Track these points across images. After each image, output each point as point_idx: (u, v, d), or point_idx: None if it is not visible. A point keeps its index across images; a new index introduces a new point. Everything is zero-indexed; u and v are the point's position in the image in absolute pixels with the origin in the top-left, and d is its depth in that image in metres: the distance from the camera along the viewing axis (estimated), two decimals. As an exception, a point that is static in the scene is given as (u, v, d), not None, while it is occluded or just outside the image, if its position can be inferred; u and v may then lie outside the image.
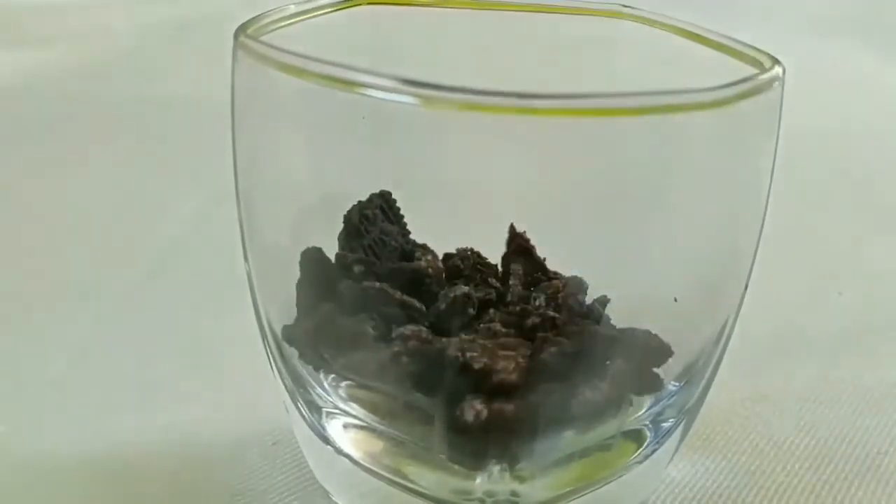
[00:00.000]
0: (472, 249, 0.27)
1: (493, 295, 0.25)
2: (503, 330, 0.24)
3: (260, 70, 0.21)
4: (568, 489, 0.23)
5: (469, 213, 0.28)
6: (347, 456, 0.23)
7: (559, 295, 0.25)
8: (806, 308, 0.37)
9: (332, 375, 0.23)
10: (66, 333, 0.33)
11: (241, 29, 0.22)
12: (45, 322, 0.34)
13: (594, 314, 0.25)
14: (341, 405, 0.23)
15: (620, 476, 0.24)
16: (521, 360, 0.22)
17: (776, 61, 0.22)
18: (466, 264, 0.26)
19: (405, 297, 0.24)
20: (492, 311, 0.25)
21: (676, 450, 0.25)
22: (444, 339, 0.23)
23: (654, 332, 0.24)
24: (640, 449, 0.24)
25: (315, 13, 0.25)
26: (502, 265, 0.27)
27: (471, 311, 0.24)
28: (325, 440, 0.24)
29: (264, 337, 0.25)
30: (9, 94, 0.59)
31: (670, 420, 0.24)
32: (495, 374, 0.22)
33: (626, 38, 0.27)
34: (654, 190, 0.24)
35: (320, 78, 0.19)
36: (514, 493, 0.22)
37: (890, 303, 0.38)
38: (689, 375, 0.24)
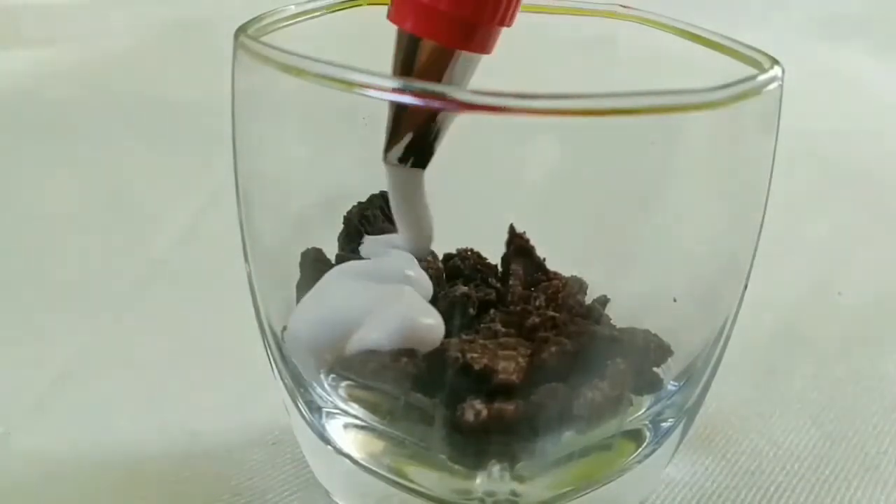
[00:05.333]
0: (472, 249, 0.27)
1: (493, 295, 0.26)
2: (503, 330, 0.24)
3: (260, 70, 0.21)
4: (568, 489, 0.23)
5: (469, 213, 0.28)
6: (347, 456, 0.23)
7: (559, 295, 0.25)
8: (806, 308, 0.37)
9: (332, 375, 0.23)
10: (66, 333, 0.33)
11: (241, 29, 0.22)
12: (45, 322, 0.34)
13: (594, 314, 0.25)
14: (341, 405, 0.23)
15: (620, 476, 0.24)
16: (521, 360, 0.22)
17: (775, 62, 0.22)
18: (466, 264, 0.26)
19: (405, 298, 0.24)
20: (492, 311, 0.25)
21: (676, 450, 0.25)
22: (444, 340, 0.23)
23: (654, 332, 0.24)
24: (640, 449, 0.24)
25: (315, 13, 0.25)
26: (502, 265, 0.27)
27: (471, 311, 0.24)
28: (325, 440, 0.24)
29: (264, 337, 0.25)
30: (9, 94, 0.59)
31: (670, 420, 0.24)
32: (496, 374, 0.22)
33: (626, 38, 0.27)
34: (654, 190, 0.24)
35: (320, 78, 0.19)
36: (514, 493, 0.22)
37: (890, 303, 0.39)
38: (688, 375, 0.24)
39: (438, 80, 0.23)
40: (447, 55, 0.22)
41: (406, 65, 0.22)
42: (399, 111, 0.23)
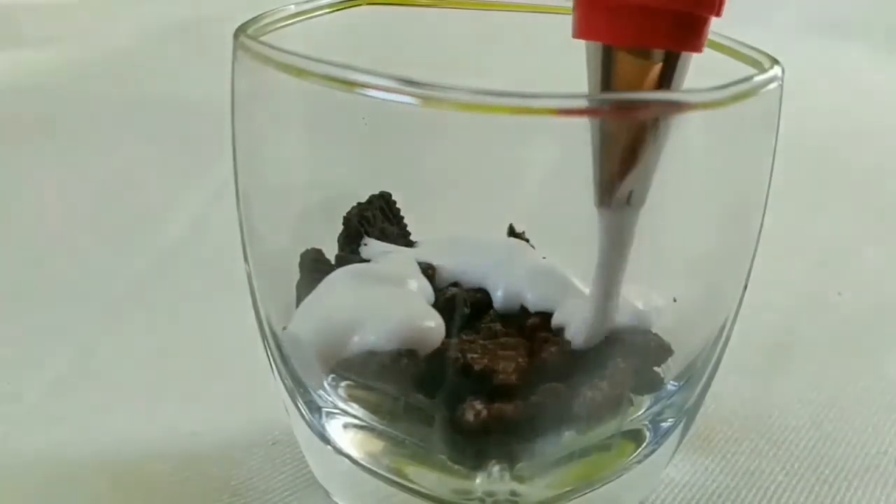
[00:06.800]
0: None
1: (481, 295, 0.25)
2: (503, 330, 0.24)
3: (260, 70, 0.21)
4: (567, 489, 0.23)
5: (469, 213, 0.28)
6: (347, 456, 0.23)
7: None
8: (806, 308, 0.37)
9: (332, 375, 0.23)
10: (66, 333, 0.33)
11: (241, 29, 0.22)
12: (46, 322, 0.34)
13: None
14: (341, 405, 0.23)
15: (620, 476, 0.24)
16: (521, 360, 0.22)
17: (775, 61, 0.22)
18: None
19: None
20: (492, 311, 0.25)
21: (676, 450, 0.25)
22: (444, 340, 0.23)
23: (654, 332, 0.24)
24: (640, 449, 0.24)
25: (315, 13, 0.25)
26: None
27: (465, 310, 0.24)
28: (325, 440, 0.24)
29: (264, 337, 0.25)
30: (9, 94, 0.59)
31: (670, 420, 0.24)
32: (495, 375, 0.22)
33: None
34: (655, 190, 0.24)
35: (320, 78, 0.19)
36: (513, 493, 0.22)
37: (890, 303, 0.39)
38: (688, 375, 0.24)
39: None
40: (670, 62, 0.20)
41: (624, 87, 0.20)
42: (615, 142, 0.20)
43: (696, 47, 0.20)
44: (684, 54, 0.20)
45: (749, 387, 0.31)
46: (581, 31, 0.20)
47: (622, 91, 0.20)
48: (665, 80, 0.20)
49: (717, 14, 0.20)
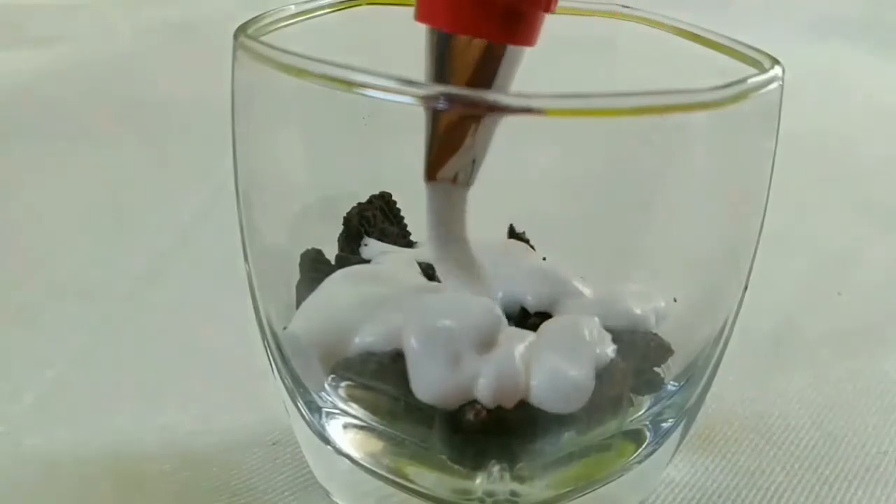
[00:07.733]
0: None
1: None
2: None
3: (260, 70, 0.21)
4: (568, 489, 0.23)
5: (469, 213, 0.28)
6: (347, 456, 0.23)
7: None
8: (806, 308, 0.37)
9: (332, 375, 0.23)
10: (66, 333, 0.33)
11: (241, 29, 0.22)
12: (45, 322, 0.34)
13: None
14: (341, 405, 0.23)
15: (620, 476, 0.24)
16: (521, 360, 0.22)
17: (775, 61, 0.22)
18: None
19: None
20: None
21: (676, 450, 0.25)
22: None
23: (654, 332, 0.24)
24: (640, 449, 0.24)
25: (315, 13, 0.25)
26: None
27: None
28: (325, 440, 0.24)
29: (264, 337, 0.25)
30: (9, 94, 0.59)
31: (670, 420, 0.24)
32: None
33: (626, 38, 0.27)
34: (655, 190, 0.24)
35: (320, 78, 0.19)
36: (513, 493, 0.22)
37: (890, 303, 0.39)
38: (688, 375, 0.24)
39: (489, 83, 0.21)
40: (495, 53, 0.20)
41: (447, 71, 0.21)
42: (443, 122, 0.21)
43: (527, 41, 0.21)
44: (512, 47, 0.21)
45: (749, 387, 0.31)
46: (419, 15, 0.21)
47: (454, 76, 0.21)
48: (492, 70, 0.21)
49: (547, 10, 0.21)
